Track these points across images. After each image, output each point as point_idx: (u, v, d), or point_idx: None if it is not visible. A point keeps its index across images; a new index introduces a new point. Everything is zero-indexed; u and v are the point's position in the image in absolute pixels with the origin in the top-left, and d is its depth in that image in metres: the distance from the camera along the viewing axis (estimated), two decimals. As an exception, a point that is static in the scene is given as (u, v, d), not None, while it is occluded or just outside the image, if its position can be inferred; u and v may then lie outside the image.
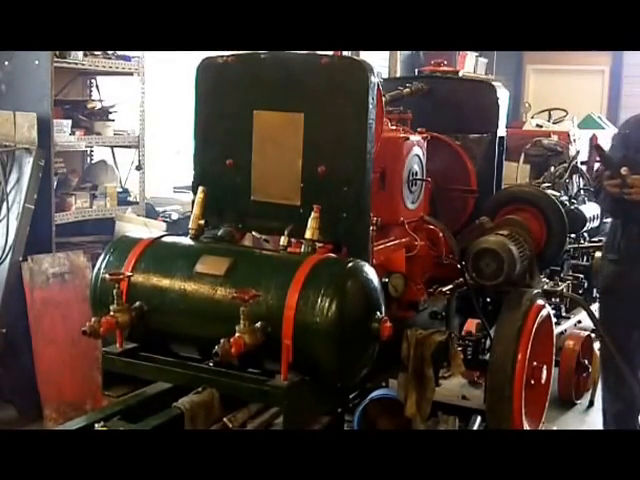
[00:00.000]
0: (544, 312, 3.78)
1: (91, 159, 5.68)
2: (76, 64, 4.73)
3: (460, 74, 4.70)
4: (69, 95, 5.30)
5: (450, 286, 3.70)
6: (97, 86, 5.60)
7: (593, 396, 5.13)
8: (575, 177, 6.23)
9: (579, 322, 5.62)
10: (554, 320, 4.17)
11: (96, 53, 4.85)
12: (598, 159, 3.94)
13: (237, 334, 2.45)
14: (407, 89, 4.06)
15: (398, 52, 7.91)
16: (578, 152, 6.47)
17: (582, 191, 6.03)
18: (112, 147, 5.49)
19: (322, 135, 2.88)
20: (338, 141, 2.85)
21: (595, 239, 5.93)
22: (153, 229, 4.89)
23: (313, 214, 2.79)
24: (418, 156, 3.46)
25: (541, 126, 7.18)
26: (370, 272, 2.69)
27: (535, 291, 3.80)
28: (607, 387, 4.03)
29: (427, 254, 3.59)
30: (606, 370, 4.04)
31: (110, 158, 5.61)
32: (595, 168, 4.25)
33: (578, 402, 5.15)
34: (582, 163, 6.64)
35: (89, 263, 4.55)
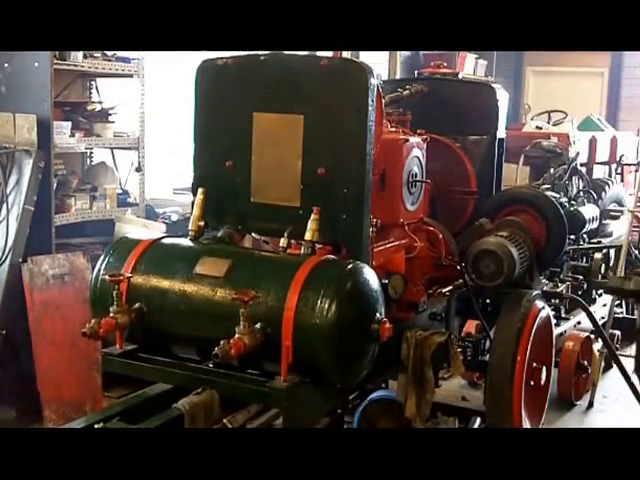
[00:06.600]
0: (544, 313, 3.78)
1: (91, 161, 5.69)
2: (76, 66, 4.73)
3: (460, 76, 4.70)
4: (69, 97, 5.30)
5: (450, 287, 3.70)
6: (97, 88, 5.60)
7: (592, 397, 5.13)
8: (575, 179, 6.23)
9: (579, 323, 5.60)
10: (554, 321, 4.17)
11: (96, 55, 4.86)
12: None
13: (237, 335, 2.45)
14: (407, 91, 4.06)
15: (398, 53, 7.90)
16: (578, 154, 6.46)
17: (581, 193, 6.03)
18: (112, 149, 5.50)
19: (322, 137, 2.88)
20: (338, 143, 2.86)
21: (594, 240, 5.93)
22: (153, 230, 4.89)
23: (313, 216, 2.79)
24: (418, 158, 3.47)
25: (541, 128, 7.17)
26: (370, 273, 2.70)
27: (535, 292, 3.81)
28: None
29: (427, 255, 3.59)
30: None
31: (110, 160, 5.61)
32: None
33: (577, 403, 5.15)
34: (582, 165, 6.63)
35: (89, 264, 4.55)
